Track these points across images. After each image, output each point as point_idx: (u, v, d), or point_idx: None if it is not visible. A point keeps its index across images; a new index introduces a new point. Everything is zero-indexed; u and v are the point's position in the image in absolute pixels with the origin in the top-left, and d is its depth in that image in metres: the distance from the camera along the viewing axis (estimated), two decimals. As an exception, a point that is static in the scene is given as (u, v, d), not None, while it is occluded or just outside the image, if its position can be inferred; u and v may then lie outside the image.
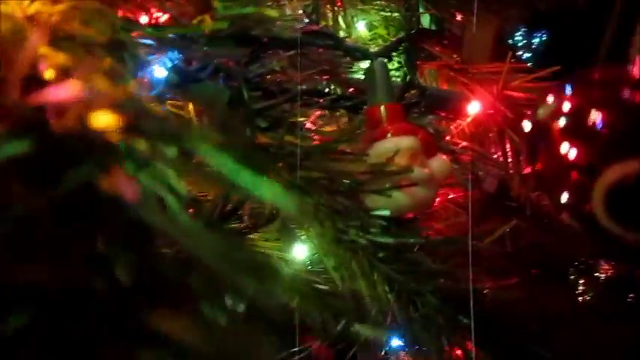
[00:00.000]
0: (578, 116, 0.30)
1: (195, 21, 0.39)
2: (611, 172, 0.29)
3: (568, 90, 0.31)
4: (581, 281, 0.86)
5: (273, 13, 0.40)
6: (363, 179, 0.45)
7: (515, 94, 0.60)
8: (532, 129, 0.33)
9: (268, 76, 0.52)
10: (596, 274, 0.85)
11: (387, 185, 0.45)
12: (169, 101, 0.56)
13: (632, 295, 0.84)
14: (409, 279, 0.44)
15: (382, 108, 0.48)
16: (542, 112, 0.31)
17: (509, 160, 0.64)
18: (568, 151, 0.30)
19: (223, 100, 0.47)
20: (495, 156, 0.64)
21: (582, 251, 0.84)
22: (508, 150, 0.62)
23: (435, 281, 0.43)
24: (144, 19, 0.50)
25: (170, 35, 0.40)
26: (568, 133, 0.30)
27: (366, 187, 0.45)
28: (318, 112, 0.55)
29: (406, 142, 0.46)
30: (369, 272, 0.44)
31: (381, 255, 0.44)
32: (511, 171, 0.66)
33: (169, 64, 0.48)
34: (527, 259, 0.83)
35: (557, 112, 0.30)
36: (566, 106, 0.30)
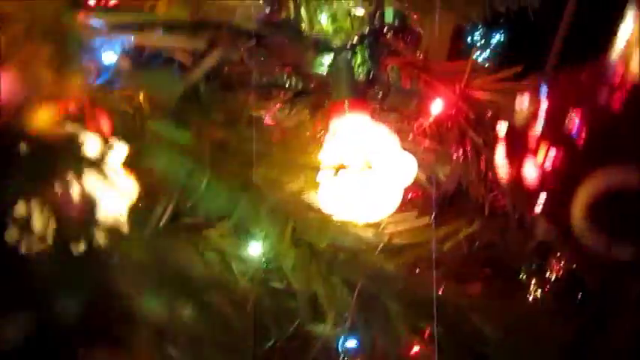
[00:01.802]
0: (555, 119, 0.28)
1: (148, 4, 0.36)
2: (594, 182, 0.27)
3: (544, 90, 0.29)
4: (532, 281, 0.87)
5: (232, 0, 0.37)
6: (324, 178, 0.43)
7: (478, 93, 0.60)
8: (507, 132, 0.32)
9: (226, 68, 0.49)
10: (547, 274, 0.86)
11: (349, 185, 0.43)
12: (119, 89, 0.52)
13: (580, 294, 0.86)
14: (369, 283, 0.42)
15: (347, 102, 0.46)
16: (518, 117, 0.30)
17: (469, 159, 0.64)
18: (545, 157, 0.28)
19: (177, 91, 0.44)
20: (455, 155, 0.63)
21: (534, 251, 0.85)
22: (468, 150, 0.62)
23: (395, 286, 0.42)
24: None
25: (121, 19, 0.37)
26: (545, 138, 0.29)
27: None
28: (278, 106, 0.52)
29: (369, 140, 0.45)
30: (327, 275, 0.43)
31: (340, 258, 0.42)
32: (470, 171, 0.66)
33: (120, 49, 0.45)
34: (482, 259, 0.83)
35: (533, 115, 0.29)
36: (543, 108, 0.29)
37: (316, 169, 0.44)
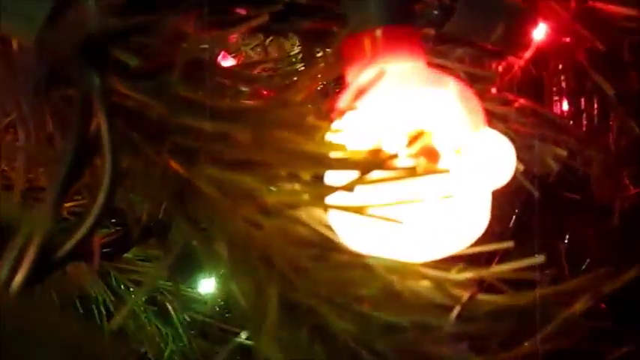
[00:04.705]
0: None
1: None
2: None
3: None
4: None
5: None
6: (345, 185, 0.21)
7: (608, 7, 0.35)
8: None
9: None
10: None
11: (389, 196, 0.21)
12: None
13: None
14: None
15: (378, 33, 0.23)
16: None
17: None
18: None
19: (39, 18, 0.22)
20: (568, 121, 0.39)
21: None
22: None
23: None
24: None
25: None
26: None
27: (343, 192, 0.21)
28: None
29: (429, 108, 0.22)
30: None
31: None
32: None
33: None
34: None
35: None
36: None
37: (323, 163, 0.22)
